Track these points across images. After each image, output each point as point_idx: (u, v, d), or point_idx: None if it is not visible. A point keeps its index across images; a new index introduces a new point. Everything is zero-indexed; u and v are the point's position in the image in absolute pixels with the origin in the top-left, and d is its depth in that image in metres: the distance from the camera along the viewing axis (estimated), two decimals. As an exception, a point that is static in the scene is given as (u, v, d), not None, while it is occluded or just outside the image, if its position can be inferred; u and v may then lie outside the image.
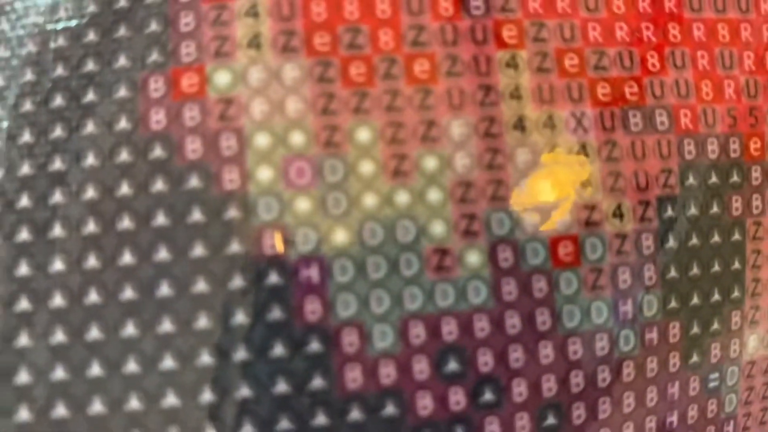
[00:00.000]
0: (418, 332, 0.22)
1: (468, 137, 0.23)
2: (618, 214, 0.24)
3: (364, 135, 0.23)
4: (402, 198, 0.23)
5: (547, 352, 0.23)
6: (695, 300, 0.25)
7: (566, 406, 0.23)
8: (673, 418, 0.25)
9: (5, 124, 0.23)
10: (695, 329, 0.25)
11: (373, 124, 0.23)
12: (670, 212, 0.25)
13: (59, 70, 0.23)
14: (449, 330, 0.22)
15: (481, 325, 0.23)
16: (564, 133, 0.24)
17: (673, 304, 0.25)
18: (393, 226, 0.22)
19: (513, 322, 0.23)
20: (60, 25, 0.23)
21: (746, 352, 0.25)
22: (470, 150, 0.23)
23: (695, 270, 0.25)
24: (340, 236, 0.22)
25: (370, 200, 0.23)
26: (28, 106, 0.23)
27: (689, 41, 0.25)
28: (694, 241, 0.25)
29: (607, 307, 0.24)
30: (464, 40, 0.24)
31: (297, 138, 0.23)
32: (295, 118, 0.23)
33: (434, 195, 0.23)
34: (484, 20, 0.24)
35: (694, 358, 0.25)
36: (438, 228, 0.23)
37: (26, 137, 0.23)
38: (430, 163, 0.23)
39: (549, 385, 0.23)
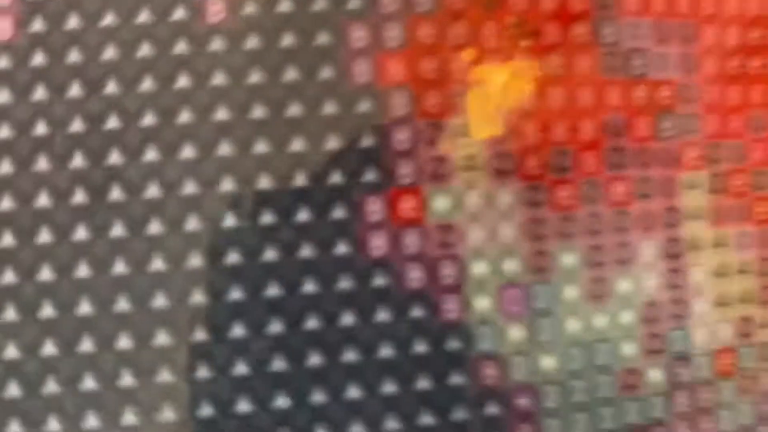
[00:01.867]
0: (609, 450, 0.24)
1: (656, 258, 0.24)
2: (766, 324, 0.26)
3: (569, 260, 0.24)
4: (600, 321, 0.24)
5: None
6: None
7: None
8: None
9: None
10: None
11: (577, 249, 0.24)
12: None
13: (264, 183, 0.22)
14: (634, 445, 0.24)
15: (658, 438, 0.25)
16: (731, 252, 0.26)
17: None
18: (592, 350, 0.24)
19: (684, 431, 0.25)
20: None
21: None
22: (658, 271, 0.24)
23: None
24: (549, 363, 0.23)
25: (573, 325, 0.24)
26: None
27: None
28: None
29: (751, 408, 0.27)
30: (656, 163, 0.25)
31: (510, 265, 0.23)
32: (509, 245, 0.23)
33: (627, 317, 0.24)
34: (673, 142, 0.25)
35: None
36: (629, 349, 0.24)
37: (233, 257, 0.22)
38: (624, 285, 0.24)
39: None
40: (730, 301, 0.26)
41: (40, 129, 0.21)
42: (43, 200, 0.21)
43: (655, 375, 0.25)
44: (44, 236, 0.21)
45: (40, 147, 0.21)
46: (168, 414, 0.21)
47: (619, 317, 0.24)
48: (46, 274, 0.21)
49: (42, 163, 0.21)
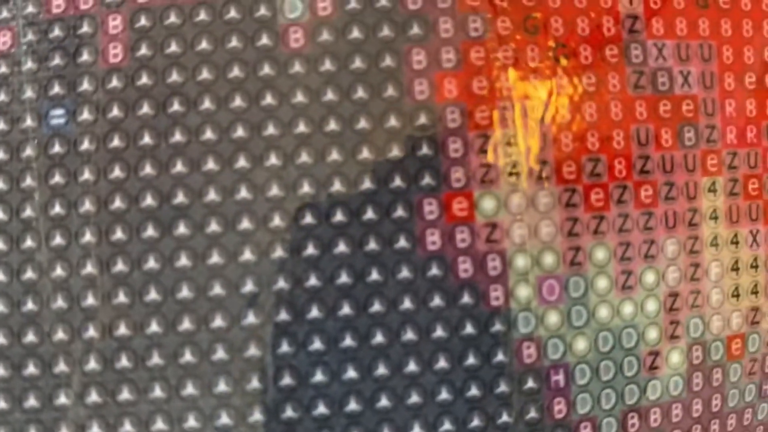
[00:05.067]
0: (633, 422, 0.28)
1: (678, 254, 0.29)
2: (774, 313, 0.31)
3: (600, 254, 0.28)
4: (628, 309, 0.28)
5: (716, 427, 0.30)
6: (811, 374, 0.32)
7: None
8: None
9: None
10: (807, 397, 0.32)
11: (608, 245, 0.28)
12: (806, 307, 0.31)
13: (338, 185, 0.26)
14: (655, 419, 0.29)
15: (677, 412, 0.29)
16: (744, 248, 0.30)
17: (797, 379, 0.32)
18: (620, 334, 0.28)
19: (697, 407, 0.29)
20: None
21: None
22: (679, 265, 0.29)
23: (815, 350, 0.32)
24: (581, 345, 0.27)
25: (604, 312, 0.28)
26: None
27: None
28: (818, 328, 0.32)
29: (755, 387, 0.31)
30: (679, 168, 0.29)
31: (549, 259, 0.27)
32: (547, 241, 0.27)
33: (651, 305, 0.28)
34: (695, 150, 0.29)
35: (803, 419, 0.33)
36: (653, 334, 0.28)
37: (311, 250, 0.26)
38: (650, 277, 0.28)
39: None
40: (741, 292, 0.30)
41: (147, 139, 0.26)
42: (149, 200, 0.26)
43: (675, 357, 0.29)
44: (150, 231, 0.26)
45: (147, 155, 0.26)
46: (255, 383, 0.26)
47: (645, 306, 0.29)
48: (151, 263, 0.26)
49: (148, 169, 0.26)
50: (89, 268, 0.26)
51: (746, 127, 0.30)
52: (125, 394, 0.26)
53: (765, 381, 0.31)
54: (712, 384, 0.30)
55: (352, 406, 0.26)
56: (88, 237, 0.26)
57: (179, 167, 0.26)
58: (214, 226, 0.26)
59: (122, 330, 0.26)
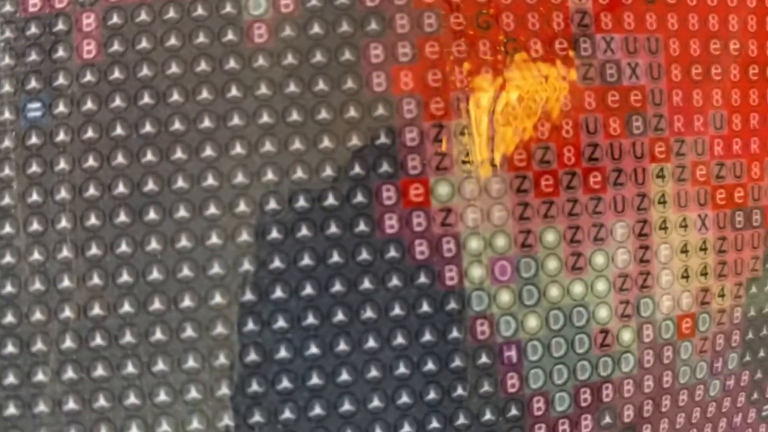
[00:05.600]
0: (586, 397, 0.30)
1: (627, 237, 0.30)
2: (721, 294, 0.32)
3: (551, 237, 0.29)
4: (578, 289, 0.30)
5: (667, 402, 0.32)
6: (761, 353, 0.34)
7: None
8: (732, 439, 0.34)
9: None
10: (758, 375, 0.34)
11: (557, 228, 0.30)
12: (753, 289, 0.33)
13: (300, 173, 0.28)
14: (607, 393, 0.30)
15: (628, 388, 0.31)
16: (693, 232, 0.31)
17: (747, 358, 0.33)
18: (571, 313, 0.30)
19: (649, 383, 0.31)
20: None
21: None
22: (628, 247, 0.30)
23: (764, 331, 0.34)
24: (533, 323, 0.29)
25: (554, 292, 0.29)
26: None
27: (782, 153, 0.33)
28: (767, 309, 0.34)
29: (706, 365, 0.32)
30: (627, 156, 0.30)
31: (500, 241, 0.29)
32: (500, 225, 0.29)
33: (601, 286, 0.30)
34: (643, 138, 0.31)
35: (755, 396, 0.34)
36: (603, 313, 0.30)
37: (275, 234, 0.28)
38: (599, 259, 0.30)
39: (664, 426, 0.32)
40: (691, 274, 0.32)
41: (119, 130, 0.28)
42: (121, 188, 0.28)
43: (626, 336, 0.31)
44: (122, 217, 0.28)
45: (119, 145, 0.28)
46: (222, 360, 0.27)
47: (595, 286, 0.30)
48: (123, 247, 0.27)
49: (120, 158, 0.28)
50: (65, 252, 0.28)
51: (693, 117, 0.32)
52: (99, 371, 0.28)
53: (716, 359, 0.33)
54: (663, 361, 0.32)
55: (315, 380, 0.28)
56: (63, 223, 0.28)
57: (149, 156, 0.28)
58: (182, 212, 0.28)
59: (96, 310, 0.28)
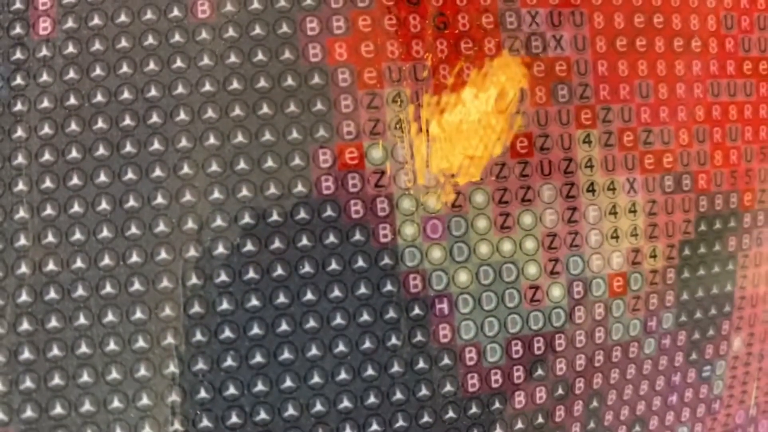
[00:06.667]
0: (517, 349, 0.32)
1: (554, 199, 0.32)
2: (653, 255, 0.34)
3: (480, 198, 0.32)
4: (507, 247, 0.32)
5: (600, 358, 0.33)
6: (698, 314, 0.36)
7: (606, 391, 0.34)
8: (673, 398, 0.36)
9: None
10: (696, 335, 0.36)
11: (486, 190, 0.32)
12: (687, 252, 0.35)
13: (240, 137, 0.30)
14: (539, 347, 0.32)
15: (560, 342, 0.32)
16: (621, 195, 0.33)
17: (683, 318, 0.35)
18: (500, 269, 0.32)
19: (581, 339, 0.33)
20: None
21: (732, 350, 0.37)
22: (556, 208, 0.32)
23: (700, 293, 0.35)
24: (463, 277, 0.31)
25: (484, 249, 0.32)
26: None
27: (709, 120, 0.35)
28: (701, 272, 0.35)
29: (640, 323, 0.34)
30: (553, 122, 0.32)
31: (431, 202, 0.31)
32: (431, 186, 0.31)
33: (530, 244, 0.32)
34: (568, 106, 0.33)
35: (693, 356, 0.36)
36: (532, 269, 0.32)
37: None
38: (527, 219, 0.32)
39: (597, 381, 0.33)
40: (621, 235, 0.34)
41: (72, 100, 0.30)
42: (74, 153, 0.30)
43: (556, 292, 0.33)
44: (75, 180, 0.30)
45: (72, 114, 0.30)
46: (167, 311, 0.30)
47: (523, 244, 0.32)
48: (76, 207, 0.30)
49: (73, 126, 0.30)
50: (21, 213, 0.30)
51: (619, 86, 0.34)
52: (53, 323, 0.30)
53: (650, 318, 0.35)
54: (595, 318, 0.33)
55: (255, 330, 0.30)
56: (20, 186, 0.30)
57: (100, 124, 0.30)
58: (130, 175, 0.30)
59: (51, 266, 0.30)
